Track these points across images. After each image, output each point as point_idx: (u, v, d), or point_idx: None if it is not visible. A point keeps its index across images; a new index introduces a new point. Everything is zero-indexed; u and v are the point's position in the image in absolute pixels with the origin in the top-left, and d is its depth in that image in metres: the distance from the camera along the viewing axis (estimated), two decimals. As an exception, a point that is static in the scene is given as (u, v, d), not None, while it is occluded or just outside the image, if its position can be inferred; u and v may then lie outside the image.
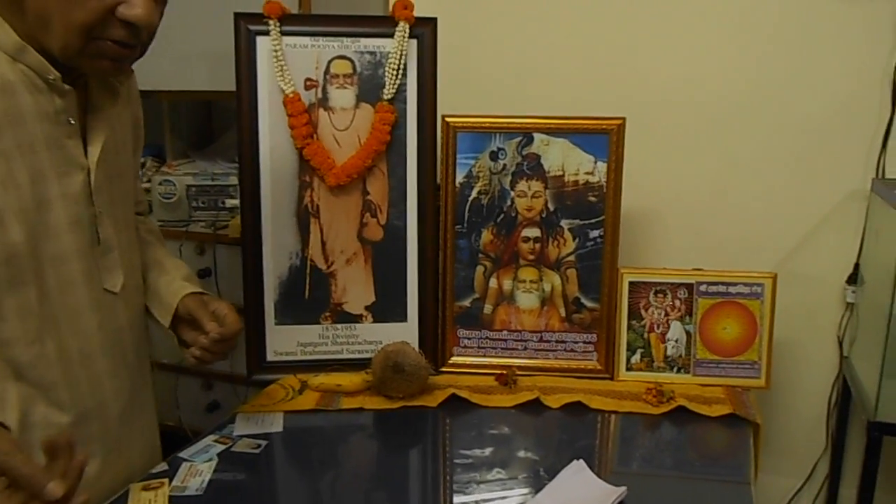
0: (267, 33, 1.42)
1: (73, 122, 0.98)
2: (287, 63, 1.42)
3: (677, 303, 1.49)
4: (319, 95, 1.45)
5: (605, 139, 1.46)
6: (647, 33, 1.65)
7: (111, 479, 1.10)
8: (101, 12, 0.90)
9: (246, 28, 1.42)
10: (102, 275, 1.05)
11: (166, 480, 1.13)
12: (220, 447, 1.23)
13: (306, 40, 1.44)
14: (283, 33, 1.42)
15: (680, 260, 1.67)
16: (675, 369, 1.49)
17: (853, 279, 1.62)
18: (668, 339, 1.49)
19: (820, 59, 1.56)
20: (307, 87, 1.45)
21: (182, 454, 1.21)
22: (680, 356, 1.49)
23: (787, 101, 1.60)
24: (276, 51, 1.42)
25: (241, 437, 1.27)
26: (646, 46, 1.66)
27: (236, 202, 1.70)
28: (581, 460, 1.17)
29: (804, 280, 1.64)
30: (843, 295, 1.64)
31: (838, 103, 1.57)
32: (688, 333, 1.49)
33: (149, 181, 1.94)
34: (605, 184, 1.47)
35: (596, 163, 1.47)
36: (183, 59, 1.66)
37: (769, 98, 1.61)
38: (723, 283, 1.47)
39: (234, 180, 1.76)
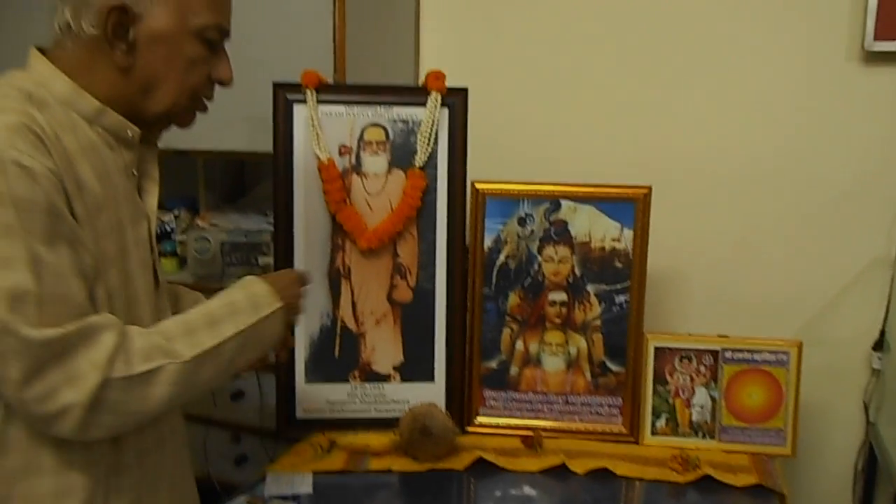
0: (304, 102, 1.47)
1: (135, 173, 1.07)
2: (322, 130, 1.48)
3: (702, 369, 1.50)
4: (353, 161, 1.50)
5: (631, 207, 1.49)
6: (671, 99, 1.69)
7: None
8: (207, 76, 1.04)
9: (284, 97, 1.48)
10: (160, 316, 1.11)
11: (200, 543, 1.15)
12: (252, 509, 1.26)
13: (341, 108, 1.49)
14: (320, 102, 1.48)
15: (704, 322, 1.69)
16: (700, 435, 1.50)
17: (879, 345, 1.62)
18: (694, 405, 1.50)
19: (843, 127, 1.59)
20: (341, 154, 1.50)
21: (215, 515, 1.23)
22: (705, 422, 1.50)
23: (811, 167, 1.62)
24: (312, 119, 1.47)
25: (272, 497, 1.29)
26: (671, 112, 1.69)
27: (269, 260, 1.74)
28: None
29: (830, 345, 1.64)
30: (869, 361, 1.64)
31: (862, 170, 1.59)
32: (713, 399, 1.49)
33: (184, 233, 1.99)
34: (631, 250, 1.50)
35: (622, 230, 1.50)
36: (221, 122, 1.71)
37: (793, 164, 1.63)
38: (748, 351, 1.48)
39: (266, 237, 1.81)
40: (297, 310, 1.18)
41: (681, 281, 1.73)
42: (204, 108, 1.09)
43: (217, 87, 1.08)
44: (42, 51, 1.01)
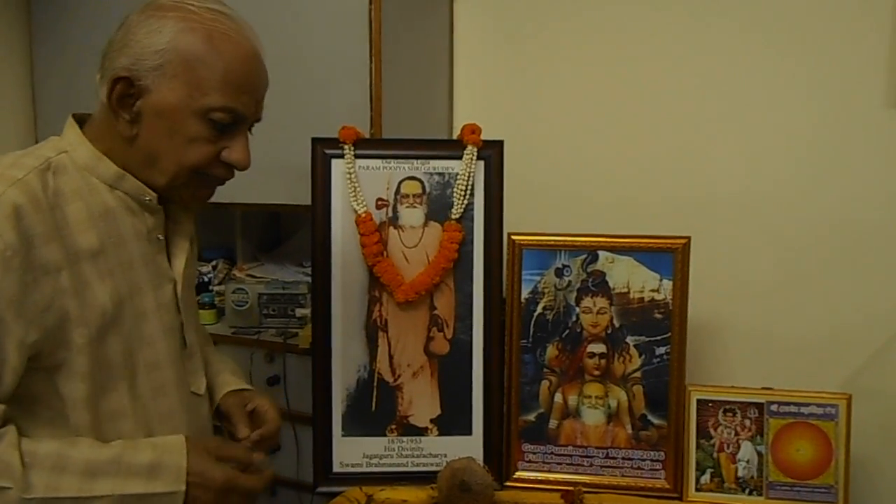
0: (342, 156, 1.50)
1: (161, 238, 1.07)
2: (360, 184, 1.49)
3: (747, 422, 1.46)
4: (390, 214, 1.51)
5: (670, 257, 1.47)
6: (708, 147, 1.68)
7: None
8: (211, 156, 1.01)
9: (322, 152, 1.50)
10: (189, 378, 1.11)
11: None
12: (290, 568, 1.24)
13: (378, 162, 1.51)
14: (357, 156, 1.50)
15: (747, 373, 1.65)
16: (746, 491, 1.45)
17: (931, 397, 1.57)
18: (739, 460, 1.46)
19: (883, 173, 1.57)
20: (378, 207, 1.51)
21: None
22: (752, 477, 1.45)
23: (852, 213, 1.59)
24: (349, 173, 1.49)
25: (310, 556, 1.27)
26: (707, 161, 1.69)
27: (306, 311, 1.75)
28: None
29: (877, 396, 1.59)
30: (920, 413, 1.59)
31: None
32: (759, 454, 1.45)
33: (221, 284, 2.02)
34: (670, 301, 1.48)
35: (661, 280, 1.48)
36: (260, 175, 1.74)
37: (834, 210, 1.61)
38: (794, 404, 1.45)
39: (303, 289, 1.82)
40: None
41: (721, 331, 1.70)
42: (213, 186, 1.05)
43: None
44: (81, 118, 1.04)
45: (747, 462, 1.46)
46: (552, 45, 1.79)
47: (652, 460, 1.50)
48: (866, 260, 1.60)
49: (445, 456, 1.50)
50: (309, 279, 1.75)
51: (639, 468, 1.50)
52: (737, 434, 1.47)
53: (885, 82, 1.54)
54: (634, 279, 1.49)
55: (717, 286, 1.67)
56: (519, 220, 1.55)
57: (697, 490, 1.47)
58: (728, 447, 1.47)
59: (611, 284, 1.50)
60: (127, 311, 1.01)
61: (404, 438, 1.53)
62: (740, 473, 1.46)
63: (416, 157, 1.51)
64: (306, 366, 1.57)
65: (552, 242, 1.51)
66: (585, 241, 1.51)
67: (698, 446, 1.48)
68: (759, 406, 1.46)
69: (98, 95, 1.00)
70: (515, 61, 1.83)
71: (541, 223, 1.56)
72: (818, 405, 1.44)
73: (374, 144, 1.55)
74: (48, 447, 0.93)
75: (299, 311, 1.77)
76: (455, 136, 1.57)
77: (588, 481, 1.50)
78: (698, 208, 1.68)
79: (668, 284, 1.48)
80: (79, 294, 0.95)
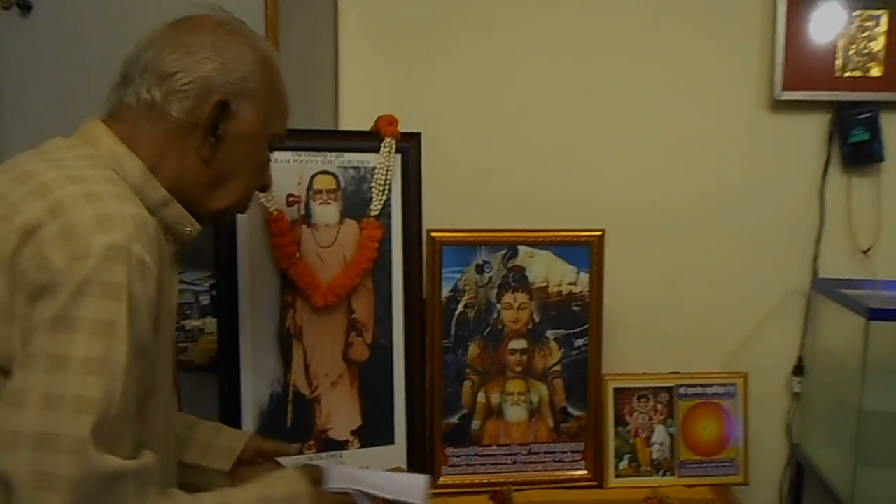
0: (247, 149, 1.35)
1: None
2: (269, 179, 1.36)
3: (659, 406, 1.53)
4: (302, 212, 1.39)
5: (586, 250, 1.50)
6: (617, 151, 1.70)
7: None
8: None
9: (225, 143, 1.34)
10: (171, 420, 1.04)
11: None
12: None
13: (288, 155, 1.39)
14: (264, 148, 1.36)
15: (636, 360, 1.71)
16: (660, 472, 1.52)
17: (799, 371, 1.74)
18: (653, 443, 1.53)
19: (759, 169, 1.71)
20: (289, 204, 1.38)
21: None
22: (665, 459, 1.52)
23: (732, 208, 1.71)
24: (257, 167, 1.35)
25: None
26: (609, 158, 1.71)
27: (197, 324, 1.56)
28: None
29: (753, 373, 1.73)
30: (790, 386, 1.75)
31: (776, 209, 1.71)
32: (671, 436, 1.53)
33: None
34: (587, 293, 1.50)
35: (578, 273, 1.50)
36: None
37: (715, 205, 1.71)
38: (700, 385, 1.54)
39: (189, 298, 1.63)
40: None
41: (616, 321, 1.75)
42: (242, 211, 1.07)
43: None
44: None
45: (661, 444, 1.53)
46: (452, 38, 1.71)
47: (573, 451, 1.52)
48: (743, 249, 1.73)
49: (368, 468, 1.41)
50: (195, 287, 1.57)
51: (560, 461, 1.52)
52: (650, 419, 1.53)
53: (758, 86, 1.68)
54: (553, 273, 1.50)
55: (614, 279, 1.71)
56: (435, 218, 1.49)
57: (617, 476, 1.51)
58: (643, 432, 1.53)
59: (530, 279, 1.50)
60: (170, 355, 0.97)
61: (323, 454, 1.41)
62: (654, 456, 1.52)
63: (330, 150, 1.41)
64: (204, 383, 1.40)
65: (472, 238, 1.48)
66: (505, 236, 1.49)
67: (616, 434, 1.52)
68: (669, 390, 1.53)
69: (142, 108, 0.91)
70: (408, 56, 1.74)
71: (457, 219, 1.52)
72: (721, 384, 1.54)
73: (283, 136, 1.41)
74: (209, 497, 0.92)
75: (188, 324, 1.57)
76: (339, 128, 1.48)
77: (512, 479, 1.49)
78: (604, 204, 1.70)
79: (584, 277, 1.50)
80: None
